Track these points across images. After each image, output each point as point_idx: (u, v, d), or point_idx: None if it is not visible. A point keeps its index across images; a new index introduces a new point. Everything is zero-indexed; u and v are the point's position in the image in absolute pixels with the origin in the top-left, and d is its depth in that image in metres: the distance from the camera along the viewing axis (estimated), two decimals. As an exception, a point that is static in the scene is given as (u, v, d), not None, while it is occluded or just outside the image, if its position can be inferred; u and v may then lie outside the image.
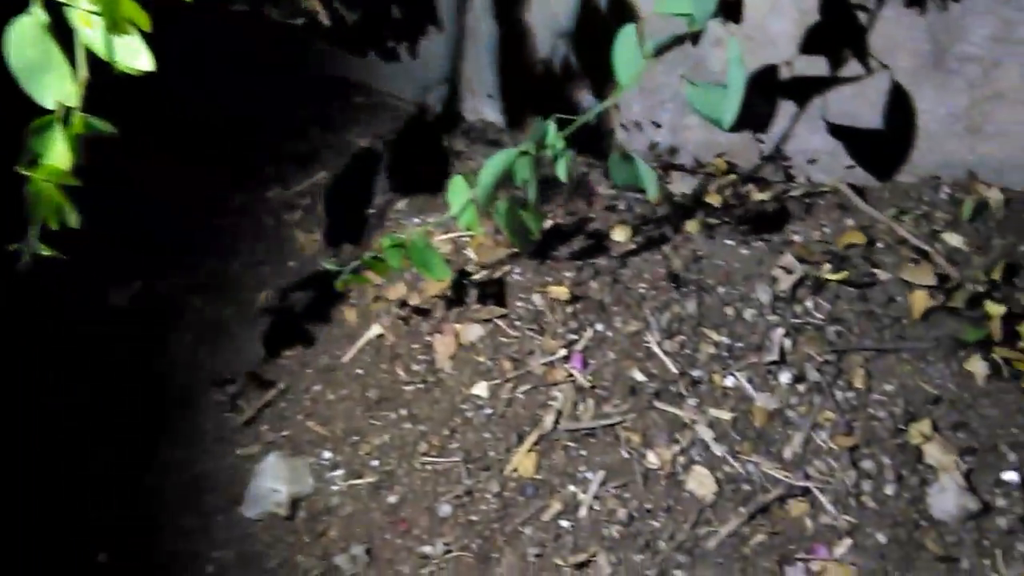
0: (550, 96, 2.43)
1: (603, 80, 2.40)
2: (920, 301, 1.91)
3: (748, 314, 1.97)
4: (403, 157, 2.56)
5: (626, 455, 1.78)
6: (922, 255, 1.99)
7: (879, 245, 2.07)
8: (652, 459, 1.77)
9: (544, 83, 2.46)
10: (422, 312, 2.09)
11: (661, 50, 1.79)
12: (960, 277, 1.93)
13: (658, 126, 2.45)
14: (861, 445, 1.71)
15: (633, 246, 2.20)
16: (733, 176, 2.37)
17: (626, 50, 1.69)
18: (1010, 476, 1.62)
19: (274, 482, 1.78)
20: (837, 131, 2.23)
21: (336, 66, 2.82)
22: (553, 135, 1.74)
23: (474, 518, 1.73)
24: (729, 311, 1.98)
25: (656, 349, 1.94)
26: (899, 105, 2.10)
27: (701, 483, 1.72)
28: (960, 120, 2.04)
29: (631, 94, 2.41)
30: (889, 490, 1.64)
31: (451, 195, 1.80)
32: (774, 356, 1.87)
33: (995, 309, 1.85)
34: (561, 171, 1.78)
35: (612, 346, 1.96)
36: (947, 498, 1.60)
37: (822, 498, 1.66)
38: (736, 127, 2.43)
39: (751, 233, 2.21)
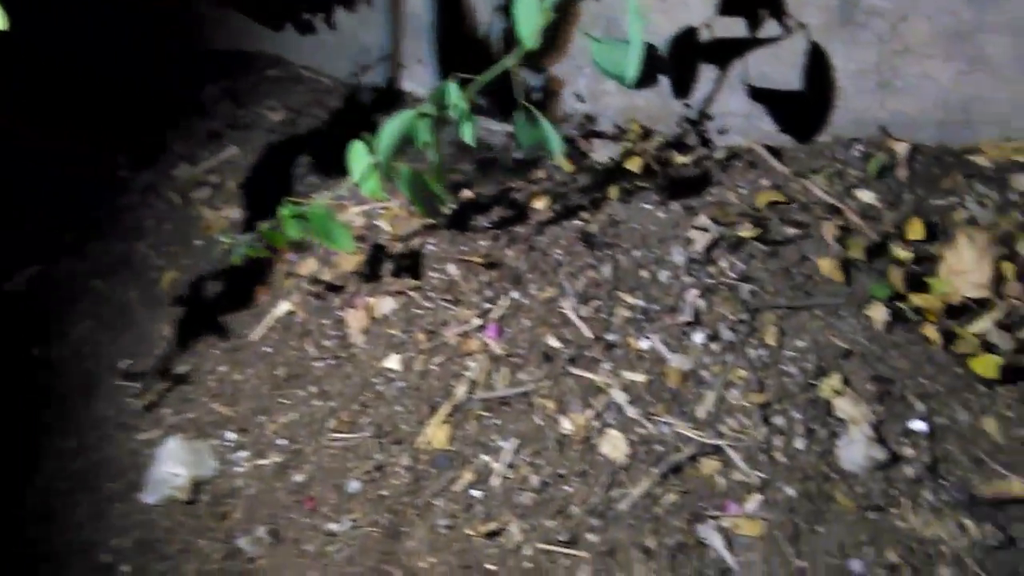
0: (484, 66, 2.39)
1: (542, 51, 2.37)
2: (832, 258, 1.91)
3: (663, 276, 1.94)
4: (320, 131, 2.48)
5: (540, 422, 1.74)
6: (835, 212, 1.99)
7: (794, 204, 2.06)
8: (566, 425, 1.73)
9: (476, 53, 2.41)
10: (334, 287, 2.03)
11: (561, 6, 1.75)
12: (871, 233, 1.93)
13: (577, 95, 2.42)
14: (773, 402, 1.70)
15: (551, 214, 2.16)
16: (653, 141, 2.35)
17: (527, 5, 1.64)
18: (918, 425, 1.62)
19: (174, 466, 1.71)
20: (755, 93, 2.22)
21: (250, 39, 2.73)
22: (455, 95, 1.69)
23: (384, 493, 1.67)
24: (644, 274, 1.95)
25: (571, 315, 1.90)
26: (813, 64, 2.09)
27: (614, 446, 1.69)
28: (870, 76, 2.04)
29: (548, 60, 2.37)
30: (799, 444, 1.64)
31: (351, 161, 1.74)
32: (688, 317, 1.85)
33: (902, 257, 1.86)
34: (467, 134, 1.73)
35: (528, 314, 1.92)
36: (856, 450, 1.59)
37: (734, 455, 1.64)
38: (655, 91, 2.41)
39: (669, 197, 2.19)
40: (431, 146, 1.68)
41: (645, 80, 1.78)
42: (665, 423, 1.71)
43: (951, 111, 2.00)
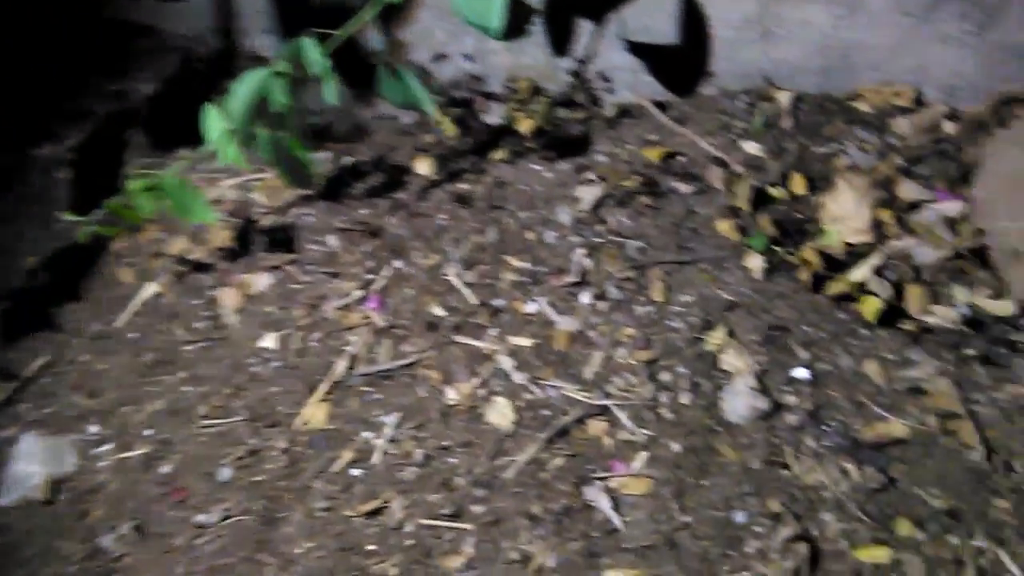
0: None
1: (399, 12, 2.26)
2: (717, 211, 1.88)
3: (550, 237, 1.89)
4: (190, 100, 2.34)
5: (424, 394, 1.67)
6: (721, 165, 1.96)
7: (681, 159, 2.03)
8: (451, 395, 1.67)
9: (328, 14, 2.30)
10: (204, 266, 1.91)
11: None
12: (756, 183, 1.91)
13: (465, 55, 2.33)
14: (659, 358, 1.67)
15: (436, 178, 2.08)
16: (541, 100, 2.28)
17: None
18: (800, 373, 1.61)
19: (30, 465, 1.58)
20: (635, 47, 2.17)
21: (116, 7, 2.55)
22: (314, 52, 1.59)
23: (259, 479, 1.58)
24: (530, 236, 1.89)
25: (456, 281, 1.83)
26: (688, 14, 2.05)
27: (501, 414, 1.63)
28: (752, 25, 2.01)
29: (432, 19, 2.27)
30: (685, 399, 1.61)
31: (207, 128, 1.63)
32: (575, 277, 1.80)
33: (785, 207, 1.84)
34: (329, 93, 1.63)
35: (411, 283, 1.84)
36: (739, 401, 1.57)
37: (620, 415, 1.61)
38: (542, 49, 2.34)
39: (558, 156, 2.13)
40: (287, 108, 1.58)
41: (514, 31, 1.71)
42: (552, 387, 1.66)
43: (832, 57, 1.99)
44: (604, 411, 1.62)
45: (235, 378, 1.73)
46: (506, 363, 1.70)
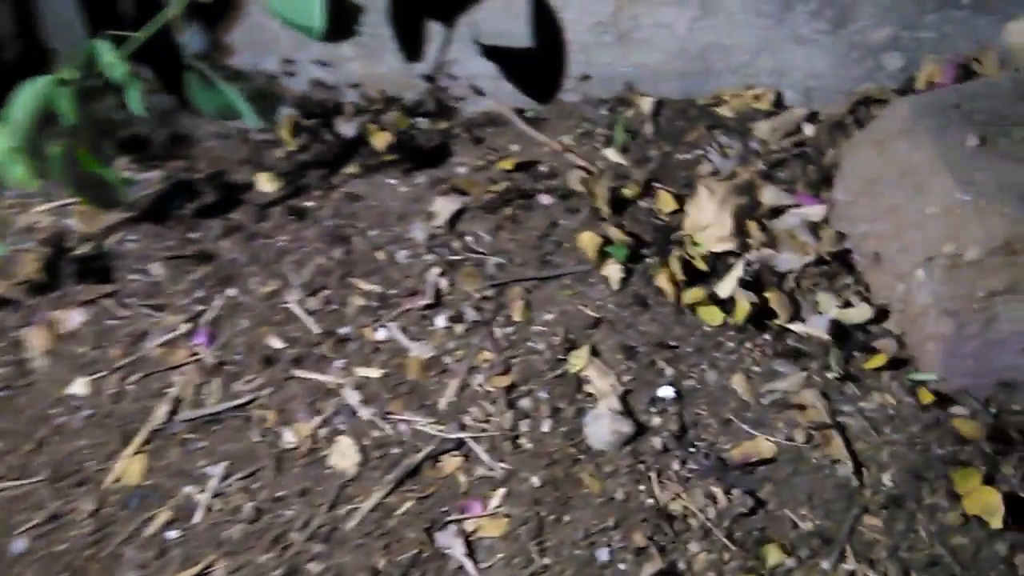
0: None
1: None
2: (581, 223, 1.78)
3: (402, 256, 1.74)
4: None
5: (258, 438, 1.49)
6: (584, 174, 1.87)
7: (543, 169, 1.92)
8: (289, 438, 1.49)
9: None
10: (7, 302, 1.67)
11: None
12: (620, 193, 1.82)
13: (318, 61, 2.17)
14: (519, 383, 1.54)
15: (279, 195, 1.91)
16: (398, 110, 2.14)
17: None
18: (665, 391, 1.51)
19: None
20: (491, 51, 2.06)
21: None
22: (109, 55, 1.39)
23: (60, 548, 1.36)
24: (381, 256, 1.74)
25: (297, 309, 1.66)
26: (539, 16, 1.95)
27: (344, 455, 1.47)
28: (609, 28, 1.93)
29: (278, 26, 2.10)
30: (546, 427, 1.48)
31: (-12, 145, 1.41)
32: (429, 299, 1.66)
33: (648, 217, 1.76)
34: (133, 101, 1.44)
35: (246, 312, 1.66)
36: (602, 425, 1.46)
37: (477, 448, 1.47)
38: (396, 56, 2.20)
39: (413, 169, 2.00)
40: (78, 119, 1.38)
41: (340, 32, 1.56)
42: (403, 421, 1.50)
43: (690, 60, 1.93)
44: (459, 445, 1.47)
45: (38, 431, 1.50)
46: (352, 397, 1.54)
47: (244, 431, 1.50)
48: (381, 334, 1.62)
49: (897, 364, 1.49)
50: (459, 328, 1.62)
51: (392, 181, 1.93)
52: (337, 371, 1.57)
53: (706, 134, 1.89)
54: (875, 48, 1.80)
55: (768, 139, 1.85)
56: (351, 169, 1.97)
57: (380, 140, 2.01)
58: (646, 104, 1.95)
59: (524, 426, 1.48)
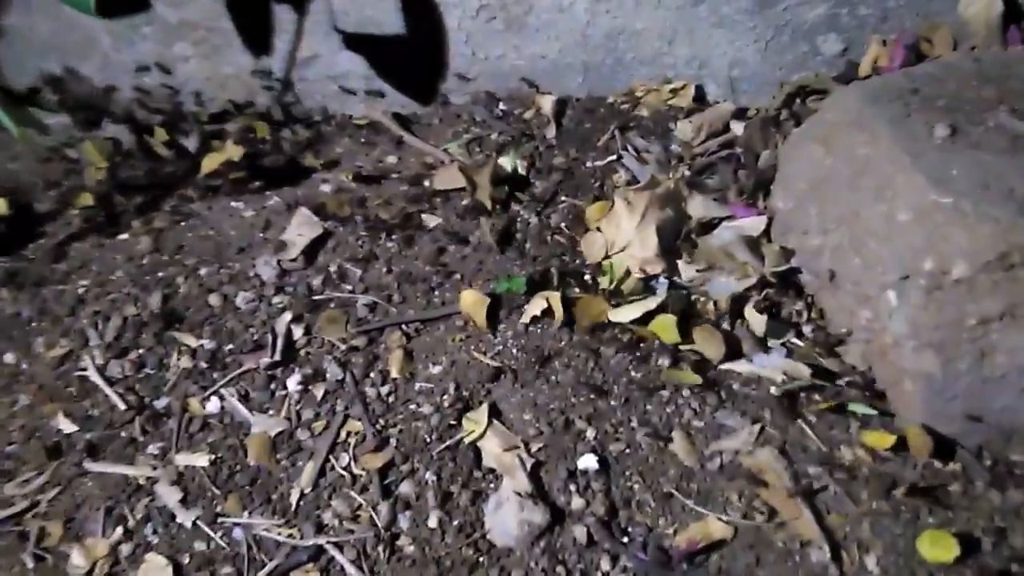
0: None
1: None
2: (473, 247, 1.44)
3: (242, 301, 1.36)
4: None
5: (32, 562, 1.07)
6: (475, 188, 1.54)
7: (427, 184, 1.58)
8: (77, 561, 1.08)
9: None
10: None
11: None
12: (519, 211, 1.50)
13: (143, 65, 1.76)
14: (397, 462, 1.18)
15: (85, 226, 1.50)
16: (246, 119, 1.76)
17: None
18: (587, 462, 1.18)
19: None
20: (357, 41, 1.69)
21: None
22: None
23: None
24: (215, 301, 1.36)
25: (96, 378, 1.25)
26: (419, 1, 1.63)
27: (155, 582, 1.07)
28: (497, 12, 1.61)
29: (90, 18, 1.69)
30: (433, 521, 1.13)
31: None
32: (277, 355, 1.28)
33: (555, 238, 1.44)
34: None
35: (27, 385, 1.24)
36: (508, 515, 1.12)
37: (340, 558, 1.10)
38: (244, 53, 1.80)
39: (265, 189, 1.62)
40: None
41: (122, 7, 1.18)
42: (239, 525, 1.12)
43: (595, 50, 1.63)
44: (317, 554, 1.09)
45: None
46: (169, 496, 1.14)
47: (15, 552, 1.07)
48: (212, 406, 1.23)
49: (866, 412, 1.20)
50: (318, 391, 1.25)
51: (237, 204, 1.54)
52: (149, 461, 1.17)
53: (619, 137, 1.59)
54: (809, 29, 1.54)
55: (691, 141, 1.57)
56: (185, 191, 1.57)
57: (222, 155, 1.62)
58: (547, 103, 1.63)
59: (405, 521, 1.12)
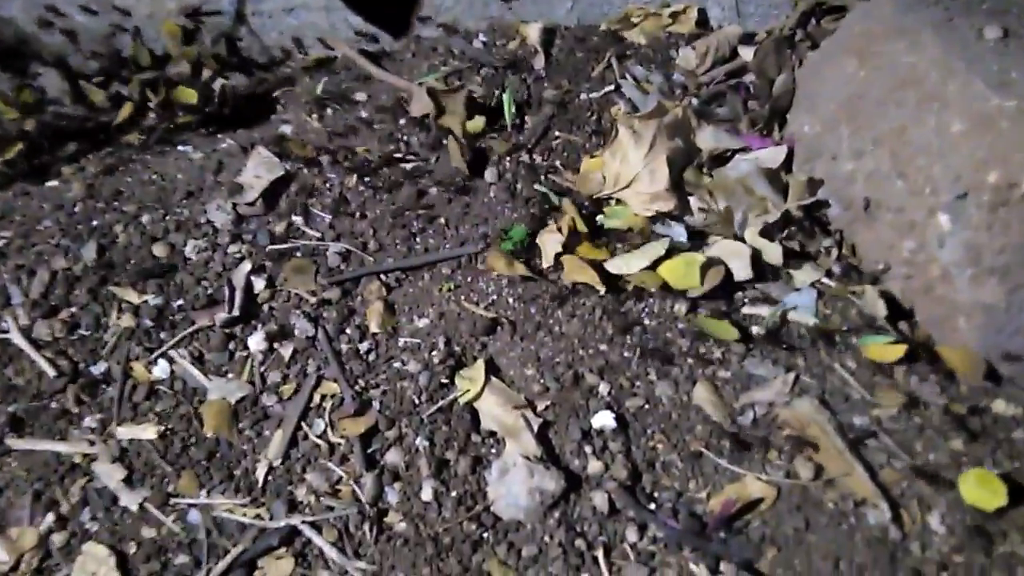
0: None
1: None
2: (459, 189, 1.28)
3: (193, 250, 1.17)
4: None
5: (-60, 563, 0.89)
6: (458, 126, 1.37)
7: (402, 121, 1.41)
8: (0, 555, 0.90)
9: None
10: None
11: None
12: (510, 149, 1.34)
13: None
14: (382, 427, 1.02)
15: (6, 172, 1.30)
16: (196, 52, 1.56)
17: None
18: (603, 420, 1.03)
19: None
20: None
21: None
22: None
23: None
24: (161, 250, 1.17)
25: (20, 341, 1.06)
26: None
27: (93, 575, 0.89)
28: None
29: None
30: (427, 494, 0.97)
31: None
32: (236, 311, 1.10)
33: (552, 178, 1.28)
34: None
35: (-66, 353, 1.05)
36: (514, 482, 0.96)
37: (318, 540, 0.93)
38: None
39: (220, 131, 1.43)
40: None
41: None
42: (196, 506, 0.94)
43: (587, -28, 1.47)
44: (290, 537, 0.93)
45: None
46: (110, 476, 0.96)
47: (-88, 555, 0.89)
48: (160, 370, 1.05)
49: (913, 351, 1.06)
50: (285, 350, 1.07)
51: (185, 149, 1.35)
52: (85, 435, 0.98)
53: (616, 66, 1.43)
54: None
55: (695, 69, 1.42)
56: (124, 139, 1.38)
57: (166, 98, 1.43)
58: (533, 32, 1.47)
59: (393, 495, 0.95)
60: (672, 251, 1.15)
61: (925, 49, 1.05)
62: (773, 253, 1.16)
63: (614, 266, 1.14)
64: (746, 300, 1.14)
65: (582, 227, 1.17)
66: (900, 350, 1.03)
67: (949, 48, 1.02)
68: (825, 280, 1.16)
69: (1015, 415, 1.00)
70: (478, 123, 1.34)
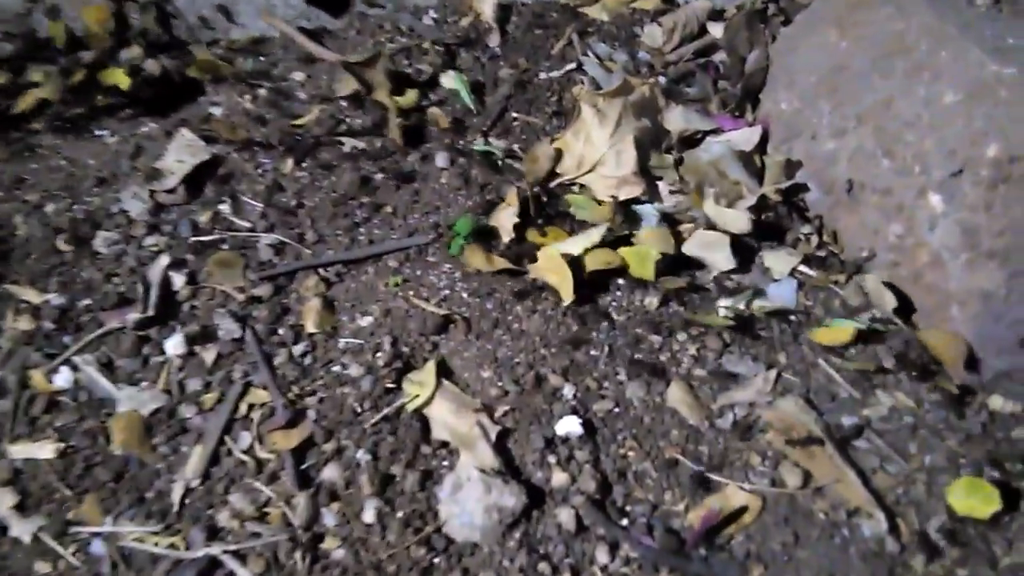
0: None
1: None
2: (405, 175, 1.16)
3: (103, 243, 1.04)
4: None
5: None
6: (367, 88, 1.25)
7: (342, 103, 1.29)
8: None
9: None
10: None
11: None
12: (463, 133, 1.23)
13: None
14: (318, 438, 0.90)
15: None
16: (116, 37, 1.43)
17: None
18: (568, 426, 0.93)
19: None
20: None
21: None
22: None
23: None
24: (65, 245, 1.04)
25: None
26: None
27: (-29, 625, 0.76)
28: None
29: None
30: (369, 515, 0.85)
31: None
32: (151, 310, 0.98)
33: (511, 163, 1.17)
34: None
35: None
36: (468, 499, 0.85)
37: (243, 571, 0.81)
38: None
39: (146, 113, 1.30)
40: None
41: None
42: (100, 535, 0.82)
43: (545, -57, 1.37)
44: (209, 570, 0.80)
45: None
46: (0, 502, 0.83)
47: None
48: (61, 379, 0.91)
49: (905, 351, 0.98)
50: (208, 354, 0.94)
51: (101, 133, 1.21)
52: (-30, 455, 0.85)
53: (578, 43, 1.33)
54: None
55: (662, 47, 1.32)
56: (30, 125, 1.24)
57: (99, 79, 1.29)
58: (487, 7, 1.36)
59: (331, 517, 0.83)
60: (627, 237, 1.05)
61: (914, 15, 0.97)
62: (739, 222, 1.07)
63: (568, 245, 1.04)
64: (723, 292, 1.05)
65: (533, 211, 1.06)
66: (848, 331, 0.95)
67: (941, 13, 0.94)
68: (805, 269, 1.08)
69: (1014, 412, 0.92)
70: (410, 97, 1.24)
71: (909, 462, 0.89)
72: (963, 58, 0.89)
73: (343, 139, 1.21)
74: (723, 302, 1.03)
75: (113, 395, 0.91)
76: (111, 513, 0.84)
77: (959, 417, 0.91)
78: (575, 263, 1.00)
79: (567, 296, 0.98)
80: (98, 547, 0.82)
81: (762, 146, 1.17)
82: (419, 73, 1.29)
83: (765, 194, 1.11)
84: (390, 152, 1.18)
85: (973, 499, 0.85)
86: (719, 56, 1.30)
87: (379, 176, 1.15)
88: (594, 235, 1.03)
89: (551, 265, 1.01)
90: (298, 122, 1.22)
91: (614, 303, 1.03)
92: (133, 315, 0.96)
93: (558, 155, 1.15)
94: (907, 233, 0.97)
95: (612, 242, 1.04)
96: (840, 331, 0.97)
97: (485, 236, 1.06)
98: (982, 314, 0.91)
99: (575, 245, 1.02)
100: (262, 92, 1.28)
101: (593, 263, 1.01)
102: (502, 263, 1.02)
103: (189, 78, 1.36)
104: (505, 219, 1.03)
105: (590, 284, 1.03)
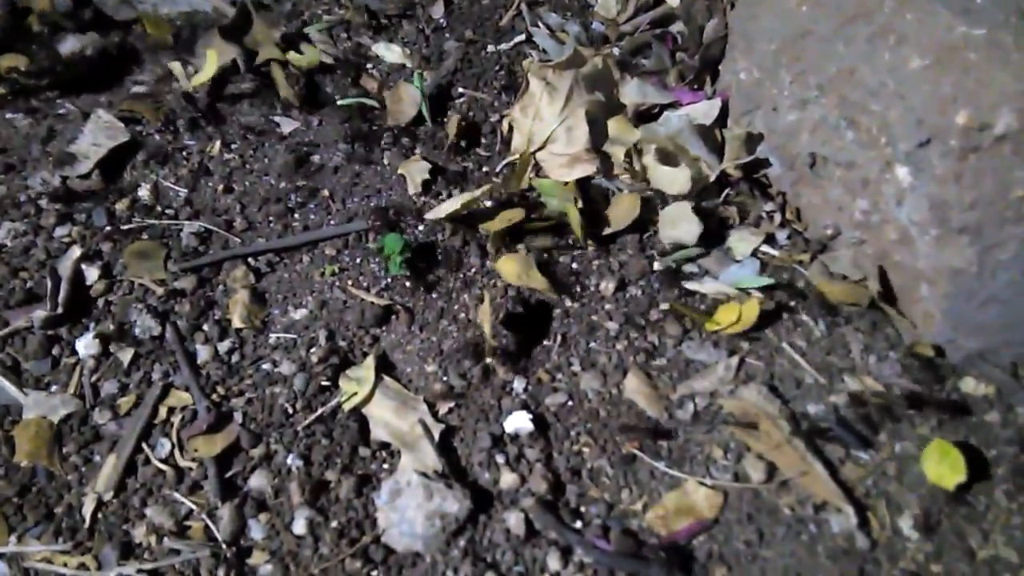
0: None
1: None
2: (343, 158, 1.09)
3: (7, 235, 0.95)
4: None
5: None
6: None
7: (258, 82, 1.20)
8: None
9: None
10: None
11: None
12: (402, 110, 1.16)
13: None
14: (245, 443, 0.83)
15: None
16: (34, 16, 1.33)
17: None
18: (517, 423, 0.87)
19: None
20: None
21: None
22: None
23: None
24: (-35, 236, 0.95)
25: None
26: None
27: None
28: None
29: None
30: (300, 526, 0.79)
31: None
32: (61, 307, 0.89)
33: (446, 142, 1.10)
34: None
35: None
36: (409, 506, 0.79)
37: (159, 595, 0.75)
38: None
39: (64, 95, 1.20)
40: None
41: None
42: (4, 556, 0.74)
43: (492, -93, 1.29)
44: (121, 593, 0.73)
45: None
46: None
47: None
48: (-40, 384, 0.83)
49: (873, 322, 0.93)
50: (124, 355, 0.87)
51: (13, 116, 1.12)
52: None
53: (527, 13, 1.26)
54: None
55: (616, 17, 1.26)
56: (-65, 103, 1.13)
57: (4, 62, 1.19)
58: (431, -24, 1.28)
59: (258, 530, 0.76)
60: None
61: (875, -23, 0.91)
62: (678, 182, 1.01)
63: (432, 213, 0.98)
64: (683, 276, 0.99)
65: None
66: (734, 310, 0.90)
67: (903, -26, 0.89)
68: (767, 249, 1.02)
69: (987, 395, 0.88)
70: (311, 56, 1.18)
71: (879, 451, 0.84)
72: (930, 20, 0.84)
73: (279, 119, 1.13)
74: (687, 285, 0.98)
75: (18, 401, 0.83)
76: (15, 531, 0.76)
77: (931, 402, 0.87)
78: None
79: (552, 294, 0.92)
80: (1, 568, 0.74)
81: (722, 119, 1.11)
82: (358, 47, 1.21)
83: (725, 170, 1.05)
84: (328, 132, 1.10)
85: (943, 466, 0.80)
86: (676, 26, 1.23)
87: (316, 158, 1.08)
88: (476, 193, 0.97)
89: (514, 269, 0.94)
90: (227, 101, 1.14)
91: (568, 288, 0.97)
92: (41, 313, 0.87)
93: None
94: (873, 209, 0.92)
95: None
96: (729, 310, 0.92)
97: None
98: (953, 293, 0.86)
99: (451, 204, 0.96)
100: (190, 70, 1.19)
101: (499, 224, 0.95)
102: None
103: (113, 56, 1.27)
104: (416, 172, 0.96)
105: (541, 267, 0.96)
